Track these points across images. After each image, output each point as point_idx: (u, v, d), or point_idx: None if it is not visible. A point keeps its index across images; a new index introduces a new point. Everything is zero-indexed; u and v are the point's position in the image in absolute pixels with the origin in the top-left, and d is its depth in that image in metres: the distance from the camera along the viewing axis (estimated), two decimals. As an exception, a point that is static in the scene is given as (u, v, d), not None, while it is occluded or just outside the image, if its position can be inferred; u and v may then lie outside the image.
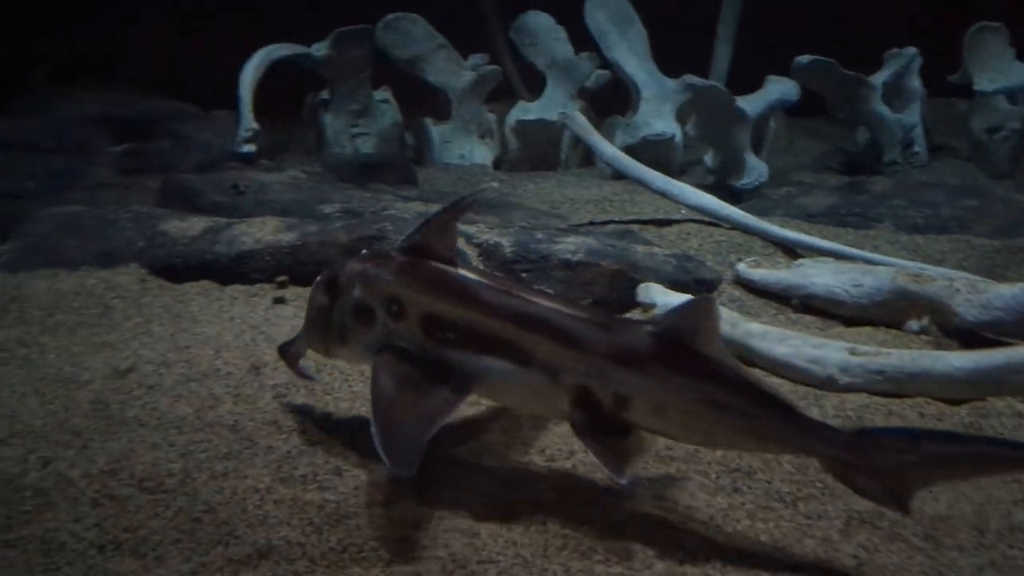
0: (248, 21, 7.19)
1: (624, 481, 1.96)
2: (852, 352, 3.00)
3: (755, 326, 3.20)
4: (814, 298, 3.72)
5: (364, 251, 2.49)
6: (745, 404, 1.95)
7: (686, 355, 1.99)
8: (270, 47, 6.32)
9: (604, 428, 2.05)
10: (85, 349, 2.97)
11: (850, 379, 2.94)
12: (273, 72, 6.39)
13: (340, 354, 2.42)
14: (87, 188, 4.95)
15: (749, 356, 3.13)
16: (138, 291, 3.54)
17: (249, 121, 5.67)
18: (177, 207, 4.42)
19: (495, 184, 2.21)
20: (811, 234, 4.50)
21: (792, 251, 4.36)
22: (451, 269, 2.23)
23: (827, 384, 2.94)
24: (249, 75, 5.98)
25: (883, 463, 1.87)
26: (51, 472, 2.22)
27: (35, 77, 6.93)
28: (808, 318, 3.66)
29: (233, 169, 5.22)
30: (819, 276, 3.77)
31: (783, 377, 3.02)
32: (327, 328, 2.37)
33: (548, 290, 2.46)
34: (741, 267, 3.98)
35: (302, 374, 2.56)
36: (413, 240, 2.29)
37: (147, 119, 5.73)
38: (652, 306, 3.44)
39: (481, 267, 3.79)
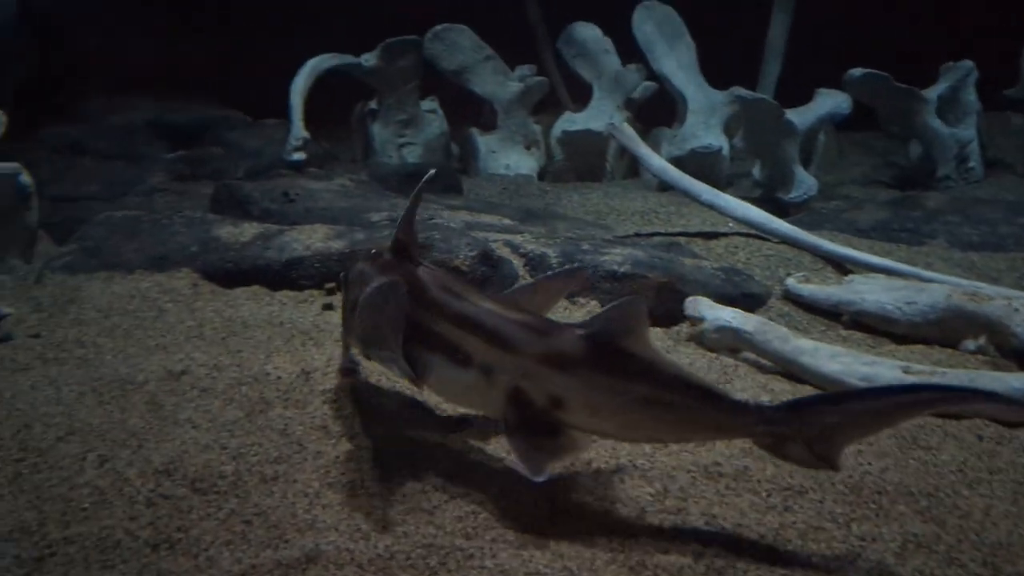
0: (299, 31, 7.30)
1: (540, 479, 2.03)
2: (906, 371, 2.95)
3: (805, 342, 3.16)
4: (865, 315, 3.66)
5: (372, 250, 2.61)
6: (677, 398, 2.04)
7: (617, 356, 2.06)
8: (320, 57, 6.42)
9: (533, 428, 2.13)
10: (140, 351, 3.03)
11: (903, 398, 2.88)
12: (323, 81, 6.50)
13: (357, 347, 2.61)
14: (143, 193, 5.07)
15: (799, 372, 3.09)
16: (191, 295, 3.60)
17: (299, 130, 5.76)
18: (229, 213, 4.50)
19: (433, 171, 2.24)
20: (861, 249, 4.43)
21: (842, 266, 4.29)
22: (415, 269, 2.36)
23: (879, 403, 2.89)
24: (300, 84, 6.08)
25: (808, 429, 2.00)
26: (108, 471, 2.27)
27: (94, 84, 7.12)
28: (859, 335, 3.61)
29: (283, 176, 5.30)
30: (870, 292, 3.71)
31: (834, 394, 2.97)
32: (347, 323, 2.56)
33: (495, 294, 2.58)
34: (790, 282, 3.94)
35: (343, 368, 2.72)
36: (395, 239, 2.44)
37: (200, 126, 5.86)
38: (700, 320, 3.41)
39: (526, 278, 3.80)
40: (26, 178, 4.27)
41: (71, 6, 7.61)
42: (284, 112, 6.21)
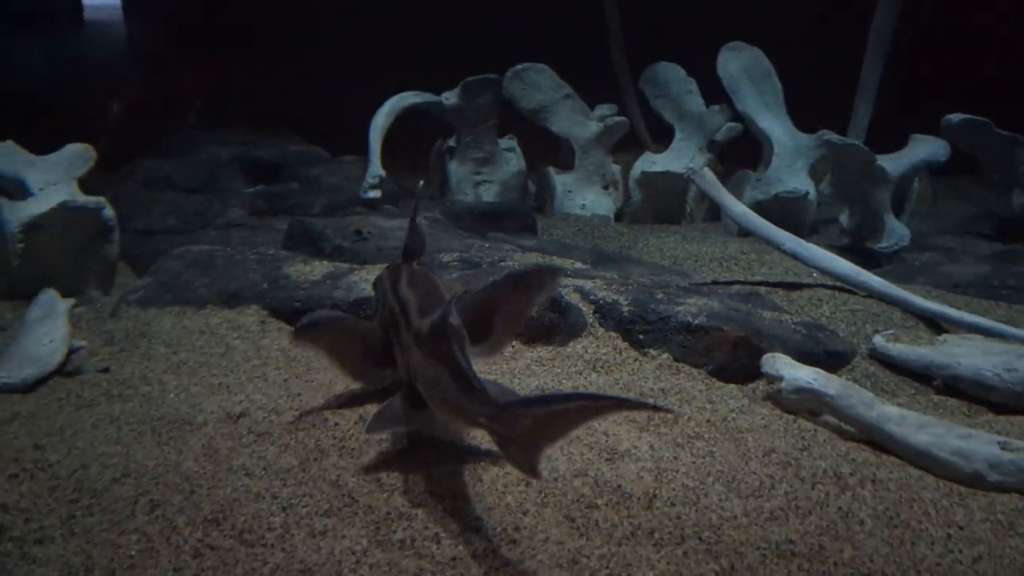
0: (383, 67, 7.42)
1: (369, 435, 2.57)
2: (1004, 447, 2.70)
3: (892, 409, 2.94)
4: (960, 380, 3.40)
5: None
6: (445, 377, 2.26)
7: (440, 334, 2.33)
8: (401, 95, 6.50)
9: (412, 399, 2.54)
10: (203, 390, 3.02)
11: (1000, 477, 2.64)
12: (404, 116, 6.56)
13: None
14: (221, 227, 5.16)
15: (884, 442, 2.88)
16: (258, 332, 3.60)
17: (377, 168, 5.81)
18: (302, 250, 4.52)
19: (421, 182, 2.33)
20: (957, 307, 4.15)
21: (936, 325, 4.03)
22: (405, 266, 2.76)
23: (973, 481, 2.65)
24: (380, 122, 6.14)
25: (512, 430, 2.06)
26: (158, 516, 2.24)
27: (185, 120, 7.38)
28: (952, 402, 3.35)
29: (358, 214, 5.33)
30: (966, 356, 3.45)
31: (922, 469, 2.75)
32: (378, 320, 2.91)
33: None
34: (878, 340, 3.70)
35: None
36: (404, 246, 2.84)
37: (281, 162, 5.96)
38: (778, 379, 3.22)
39: (598, 324, 3.68)
40: (109, 212, 4.39)
41: (170, 43, 7.95)
42: (364, 148, 6.29)
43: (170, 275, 4.01)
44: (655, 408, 2.27)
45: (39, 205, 4.24)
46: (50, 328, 3.38)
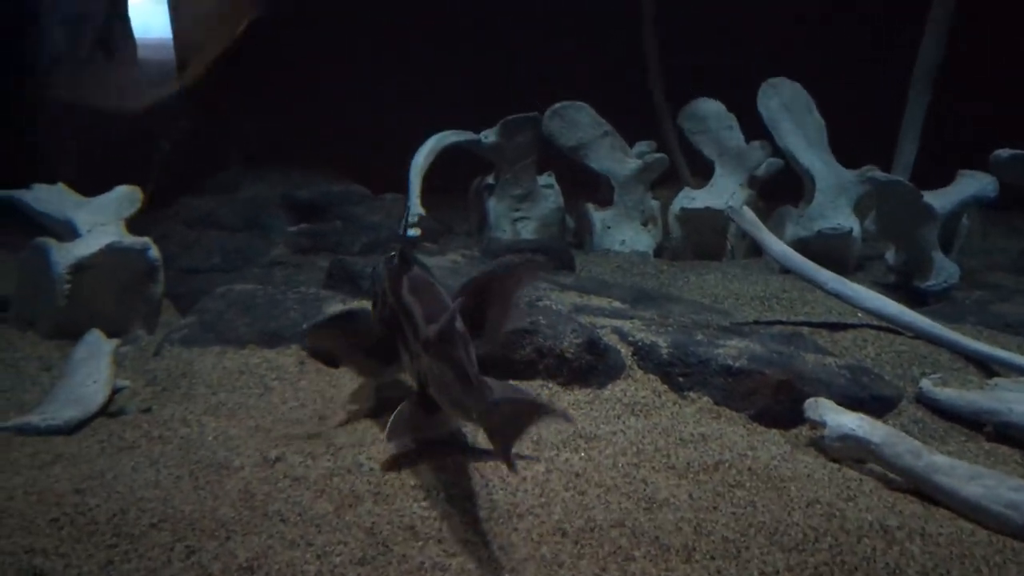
0: (422, 106, 7.51)
1: (392, 442, 2.77)
2: (1062, 500, 2.60)
3: (941, 459, 2.85)
4: (1012, 427, 3.29)
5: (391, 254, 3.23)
6: (451, 377, 2.51)
7: (447, 339, 2.56)
8: (441, 134, 6.57)
9: (424, 404, 2.77)
10: (241, 432, 3.04)
11: (1058, 532, 2.53)
12: (442, 155, 6.62)
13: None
14: (263, 266, 5.24)
15: (932, 492, 2.78)
16: (296, 373, 3.62)
17: (417, 206, 5.86)
18: (342, 289, 4.55)
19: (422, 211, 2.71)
20: (1010, 348, 4.02)
21: (986, 367, 3.91)
22: (404, 275, 2.98)
23: (1028, 535, 2.55)
24: (420, 161, 6.21)
25: (494, 423, 2.38)
26: (193, 563, 2.24)
27: (231, 159, 7.54)
28: (1004, 450, 3.24)
29: (398, 252, 5.35)
30: (1019, 401, 3.34)
31: (973, 522, 2.65)
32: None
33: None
34: (925, 384, 3.60)
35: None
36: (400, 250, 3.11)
37: (323, 200, 6.05)
38: (822, 424, 3.14)
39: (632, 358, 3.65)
40: (154, 253, 4.48)
41: (221, 84, 8.16)
42: (405, 186, 6.35)
43: (212, 314, 4.06)
44: (565, 418, 2.72)
45: (87, 246, 4.34)
46: (94, 369, 3.44)
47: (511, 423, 2.41)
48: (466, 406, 2.48)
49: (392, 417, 2.73)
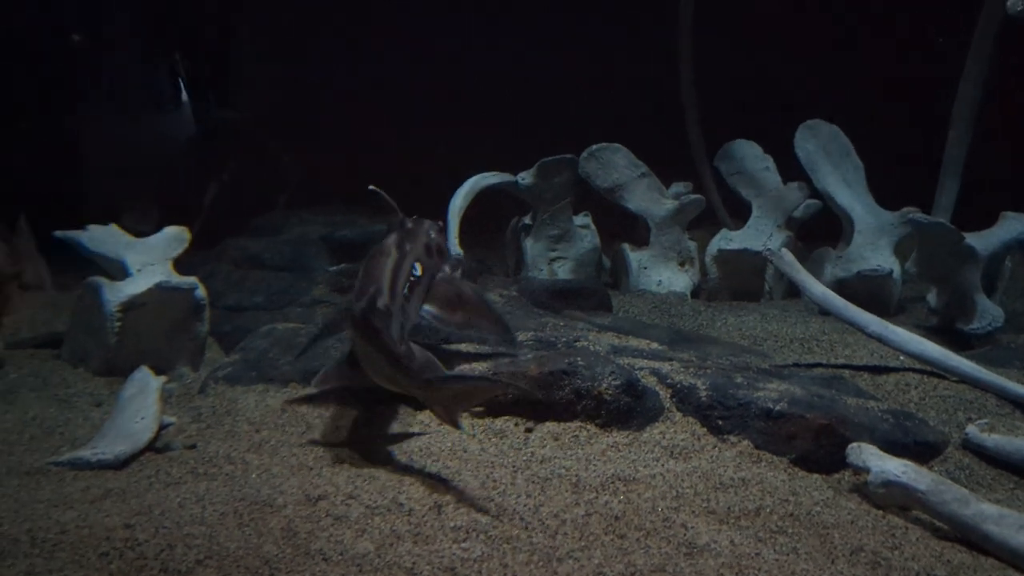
0: (461, 148, 7.63)
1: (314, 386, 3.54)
2: (1116, 552, 2.54)
3: (989, 507, 2.80)
4: (1063, 475, 3.22)
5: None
6: (381, 358, 2.98)
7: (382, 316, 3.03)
8: (479, 176, 6.65)
9: (353, 360, 3.30)
10: (284, 470, 3.09)
11: (1112, 584, 2.47)
12: (479, 196, 6.70)
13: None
14: (304, 305, 5.33)
15: (980, 541, 2.73)
16: (337, 411, 3.67)
17: (455, 247, 5.92)
18: (381, 327, 4.61)
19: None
20: (1058, 394, 3.95)
21: (1034, 413, 3.84)
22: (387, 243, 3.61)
23: (1082, 588, 2.49)
24: (458, 203, 6.29)
25: (438, 397, 2.99)
26: (237, 601, 2.27)
27: (278, 201, 7.72)
28: (1056, 498, 3.17)
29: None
30: (1069, 448, 3.27)
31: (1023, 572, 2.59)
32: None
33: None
34: (971, 430, 3.55)
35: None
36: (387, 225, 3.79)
37: (363, 240, 6.14)
38: (865, 470, 3.11)
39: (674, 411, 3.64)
40: (201, 292, 4.59)
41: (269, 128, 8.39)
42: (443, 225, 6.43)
43: (256, 353, 4.14)
44: (496, 384, 3.21)
45: (137, 285, 4.46)
46: (142, 405, 3.52)
47: (454, 398, 2.96)
48: (401, 383, 2.99)
49: (325, 369, 3.40)
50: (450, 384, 3.00)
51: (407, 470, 3.08)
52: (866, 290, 5.86)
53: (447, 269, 3.86)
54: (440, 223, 4.09)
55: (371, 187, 3.82)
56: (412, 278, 3.53)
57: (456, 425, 3.01)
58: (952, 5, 7.18)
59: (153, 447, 3.35)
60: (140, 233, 4.82)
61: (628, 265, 6.98)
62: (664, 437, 3.47)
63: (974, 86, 7.04)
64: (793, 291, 6.70)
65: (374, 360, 3.03)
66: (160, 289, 4.46)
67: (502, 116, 8.22)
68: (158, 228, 4.90)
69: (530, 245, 6.95)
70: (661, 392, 3.72)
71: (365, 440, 3.40)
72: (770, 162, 7.01)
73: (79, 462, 3.14)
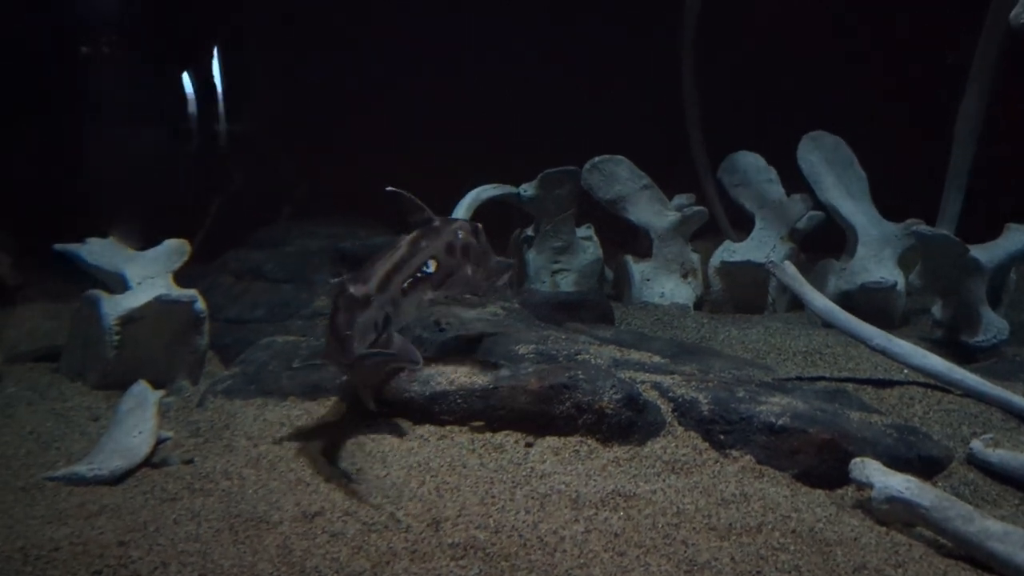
0: (463, 159, 7.62)
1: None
2: (1124, 571, 2.50)
3: (994, 524, 2.76)
4: (1070, 491, 3.18)
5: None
6: (329, 336, 3.28)
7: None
8: (481, 188, 6.64)
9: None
10: (281, 486, 3.06)
11: (1121, 604, 2.43)
12: (481, 208, 6.68)
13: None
14: (305, 317, 5.30)
15: (985, 559, 2.69)
16: (336, 426, 3.64)
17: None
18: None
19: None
20: (1064, 408, 3.91)
21: (1041, 428, 3.80)
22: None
23: (1089, 608, 2.45)
24: (460, 214, 6.27)
25: (358, 373, 3.29)
26: (231, 620, 2.24)
27: (282, 213, 7.71)
28: (1062, 515, 3.13)
29: (438, 304, 5.39)
30: (1076, 464, 3.23)
31: (1032, 592, 2.55)
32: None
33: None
34: (976, 445, 3.50)
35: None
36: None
37: (365, 252, 6.10)
38: (868, 486, 3.07)
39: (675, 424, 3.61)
40: (201, 305, 4.57)
41: (266, 135, 8.40)
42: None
43: (255, 366, 4.12)
44: (412, 361, 3.35)
45: (136, 298, 4.45)
46: (140, 419, 3.50)
47: (373, 373, 3.32)
48: (336, 360, 3.26)
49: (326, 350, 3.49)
50: (367, 359, 3.25)
51: (405, 485, 3.05)
52: (870, 302, 5.83)
53: (469, 271, 3.88)
54: (479, 225, 4.09)
55: (389, 188, 3.82)
56: (420, 274, 3.60)
57: (371, 406, 3.28)
58: (958, 15, 7.17)
59: (150, 462, 3.33)
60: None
61: (631, 277, 6.96)
62: (665, 452, 3.44)
63: (978, 96, 7.01)
64: (796, 304, 6.66)
65: (328, 343, 3.29)
66: (159, 302, 4.45)
67: (506, 131, 8.22)
68: (154, 243, 4.89)
69: (532, 257, 6.93)
70: (662, 406, 3.69)
71: (363, 454, 3.38)
72: (773, 174, 6.99)
73: (75, 477, 3.12)
